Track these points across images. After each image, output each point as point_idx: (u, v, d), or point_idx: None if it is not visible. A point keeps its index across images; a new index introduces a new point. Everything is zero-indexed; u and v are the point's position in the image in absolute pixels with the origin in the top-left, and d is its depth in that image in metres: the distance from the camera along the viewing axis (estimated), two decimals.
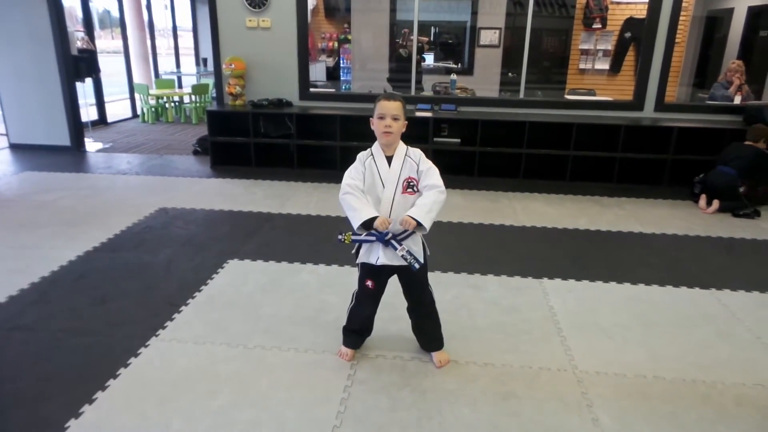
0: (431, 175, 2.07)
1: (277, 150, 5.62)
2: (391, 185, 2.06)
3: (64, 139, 6.26)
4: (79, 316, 2.65)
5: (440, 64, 8.93)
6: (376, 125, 2.08)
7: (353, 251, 2.19)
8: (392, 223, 2.04)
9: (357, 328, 2.31)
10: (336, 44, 10.67)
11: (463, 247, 3.63)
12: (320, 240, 3.67)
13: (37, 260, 3.24)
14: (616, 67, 8.29)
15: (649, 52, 5.33)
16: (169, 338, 2.46)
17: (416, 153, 2.11)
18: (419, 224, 1.99)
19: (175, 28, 10.82)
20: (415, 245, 2.10)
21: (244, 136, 5.52)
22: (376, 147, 2.12)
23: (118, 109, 9.16)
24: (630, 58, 8.09)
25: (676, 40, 7.58)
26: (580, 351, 2.42)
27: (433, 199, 2.02)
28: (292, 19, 5.54)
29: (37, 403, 2.01)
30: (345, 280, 2.96)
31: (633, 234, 3.94)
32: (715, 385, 2.20)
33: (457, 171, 5.28)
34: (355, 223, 2.02)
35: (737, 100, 5.79)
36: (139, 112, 8.85)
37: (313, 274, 3.15)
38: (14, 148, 6.33)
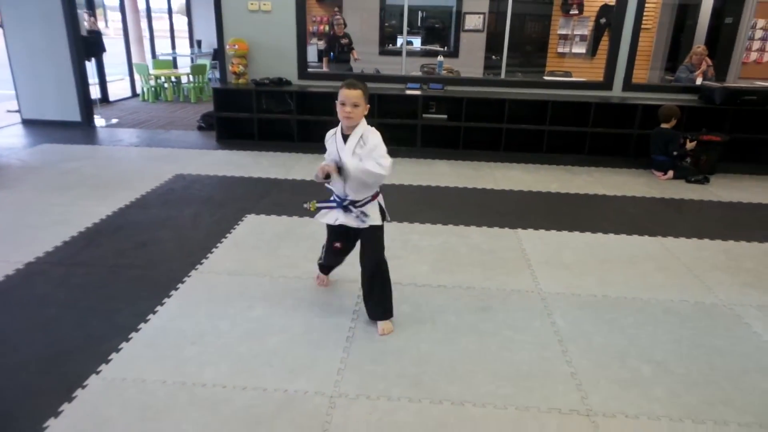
0: (375, 150, 2.24)
1: (278, 125, 6.08)
2: (344, 162, 2.26)
3: (74, 114, 6.64)
4: (126, 256, 3.13)
5: (427, 47, 9.39)
6: (338, 109, 2.25)
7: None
8: (348, 195, 2.32)
9: (326, 266, 2.77)
10: (326, 28, 11.06)
11: (449, 206, 4.16)
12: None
13: (78, 215, 3.70)
14: (592, 51, 8.83)
15: (618, 36, 5.88)
16: (207, 271, 2.96)
17: (369, 135, 2.27)
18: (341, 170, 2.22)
19: (170, 11, 11.10)
20: (372, 212, 2.35)
21: (248, 112, 5.96)
22: (340, 126, 2.33)
23: (116, 89, 9.47)
24: (605, 42, 8.62)
25: (648, 26, 8.16)
26: (545, 279, 2.97)
27: (372, 165, 2.20)
28: (291, 3, 5.96)
29: (110, 315, 2.51)
30: None
31: (597, 196, 4.51)
32: (650, 301, 2.77)
33: (444, 144, 5.79)
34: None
35: (699, 81, 6.38)
36: (139, 91, 9.19)
37: (322, 225, 3.64)
38: (26, 123, 6.70)
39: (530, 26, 9.04)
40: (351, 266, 2.66)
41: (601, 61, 8.54)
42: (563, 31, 8.65)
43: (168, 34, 11.42)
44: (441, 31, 9.66)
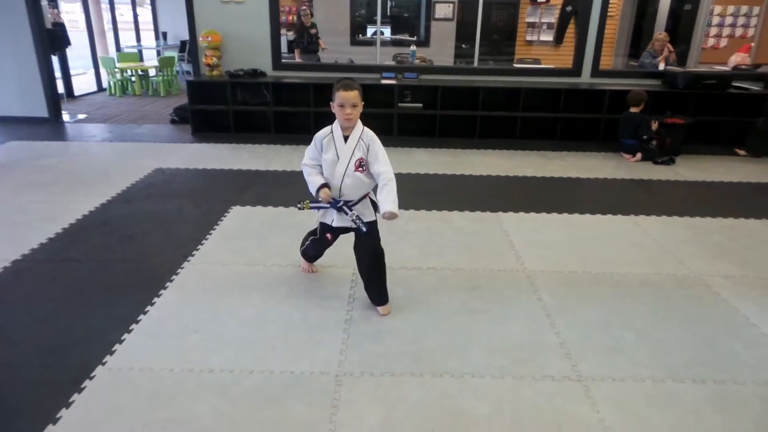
0: (380, 159, 2.33)
1: (254, 117, 6.06)
2: (344, 162, 2.35)
3: (41, 110, 6.46)
4: (115, 250, 3.13)
5: (398, 36, 9.44)
6: (337, 111, 2.30)
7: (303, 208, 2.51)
8: (343, 195, 2.39)
9: (312, 255, 2.84)
10: (295, 18, 10.98)
11: (431, 192, 4.27)
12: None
13: (61, 211, 3.66)
14: (559, 39, 9.04)
15: (585, 24, 6.06)
16: (200, 262, 2.99)
17: (368, 135, 2.36)
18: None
19: (134, 2, 10.82)
20: (366, 209, 2.43)
21: (223, 104, 5.93)
22: (336, 126, 2.38)
23: (80, 83, 9.22)
24: (571, 30, 8.84)
25: (611, 14, 8.39)
26: (529, 258, 3.11)
27: (392, 189, 2.30)
28: None
29: (108, 308, 2.52)
30: None
31: (572, 179, 4.69)
32: (627, 275, 2.94)
33: (421, 133, 5.89)
34: (312, 189, 2.41)
35: (661, 66, 6.63)
36: (105, 85, 8.97)
37: (309, 215, 3.69)
38: None
39: (499, 14, 9.19)
40: (342, 252, 2.73)
41: (567, 48, 8.76)
42: (531, 19, 8.83)
43: (131, 26, 11.13)
44: (411, 20, 9.73)
